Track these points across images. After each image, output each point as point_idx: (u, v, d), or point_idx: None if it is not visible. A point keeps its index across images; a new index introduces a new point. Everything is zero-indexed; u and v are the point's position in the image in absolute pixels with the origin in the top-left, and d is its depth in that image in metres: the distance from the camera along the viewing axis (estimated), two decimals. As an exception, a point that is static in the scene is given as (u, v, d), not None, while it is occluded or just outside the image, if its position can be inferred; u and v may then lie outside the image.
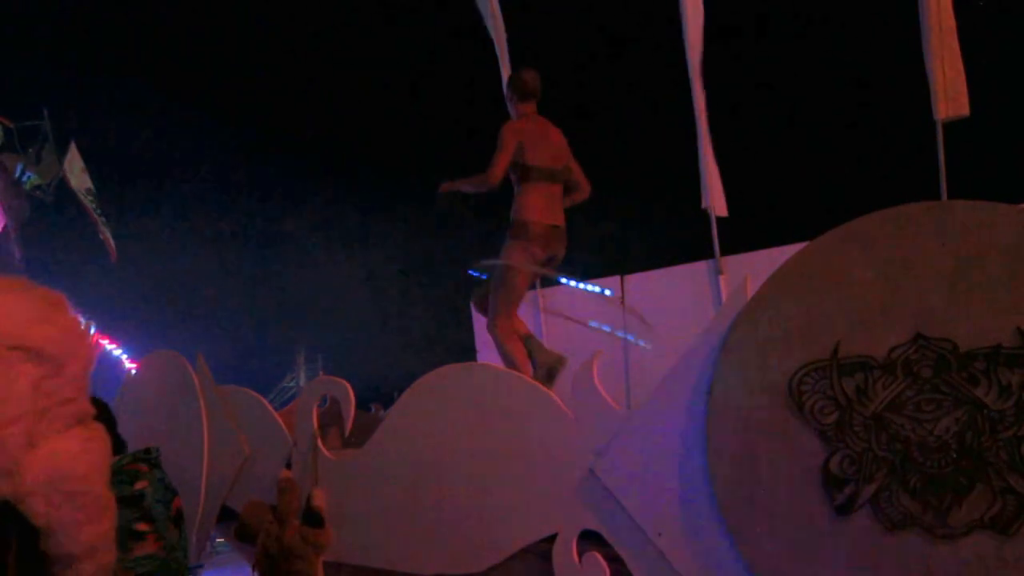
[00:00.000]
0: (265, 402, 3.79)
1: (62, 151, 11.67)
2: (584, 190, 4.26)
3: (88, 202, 11.71)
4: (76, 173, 11.66)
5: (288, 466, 3.59)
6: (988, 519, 2.28)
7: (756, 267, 3.53)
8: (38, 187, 11.80)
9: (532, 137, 4.04)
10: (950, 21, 4.85)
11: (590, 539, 2.90)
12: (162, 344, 5.34)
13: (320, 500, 3.35)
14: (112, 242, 11.95)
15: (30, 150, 11.76)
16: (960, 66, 4.85)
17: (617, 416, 2.88)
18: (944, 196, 4.83)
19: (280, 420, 3.71)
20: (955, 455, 2.33)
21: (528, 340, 4.00)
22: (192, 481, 3.79)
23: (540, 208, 4.01)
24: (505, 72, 5.91)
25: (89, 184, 11.80)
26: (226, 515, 3.74)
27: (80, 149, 11.78)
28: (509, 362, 3.88)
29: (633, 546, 2.77)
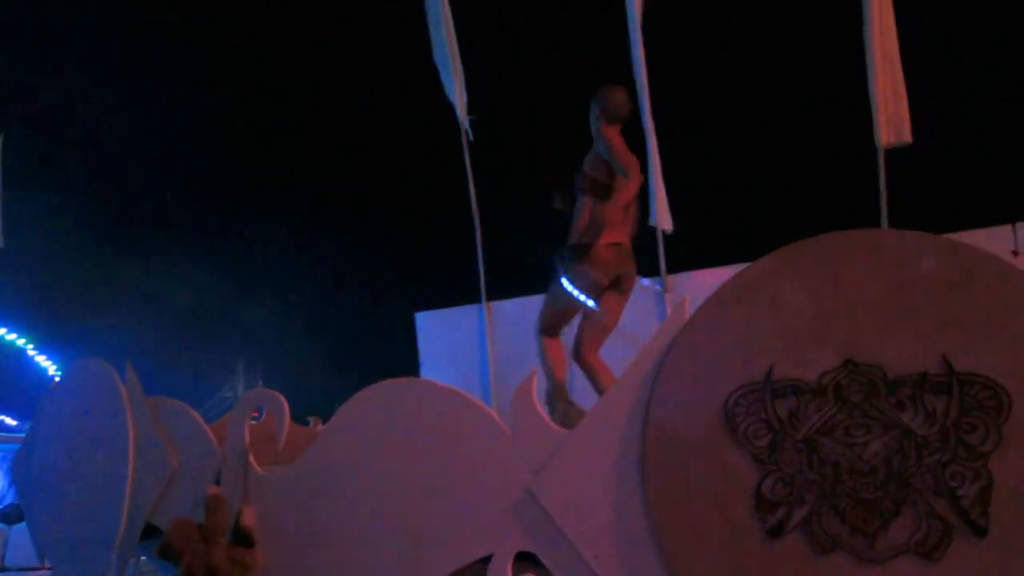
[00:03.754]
0: (195, 414, 3.65)
1: None
2: (634, 226, 4.12)
3: None
4: None
5: (218, 482, 3.46)
6: (914, 543, 2.31)
7: (701, 286, 3.54)
8: None
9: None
10: (893, 49, 4.98)
11: (526, 560, 2.85)
12: (94, 353, 5.12)
13: (249, 519, 3.24)
14: None
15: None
16: (903, 94, 4.98)
17: (555, 435, 2.85)
18: (885, 221, 4.96)
19: (210, 433, 3.58)
20: (883, 479, 2.35)
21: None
22: (115, 497, 3.63)
23: (604, 229, 3.85)
24: (458, 83, 5.87)
25: None
26: (150, 533, 3.59)
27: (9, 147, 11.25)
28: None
29: (569, 568, 2.73)
